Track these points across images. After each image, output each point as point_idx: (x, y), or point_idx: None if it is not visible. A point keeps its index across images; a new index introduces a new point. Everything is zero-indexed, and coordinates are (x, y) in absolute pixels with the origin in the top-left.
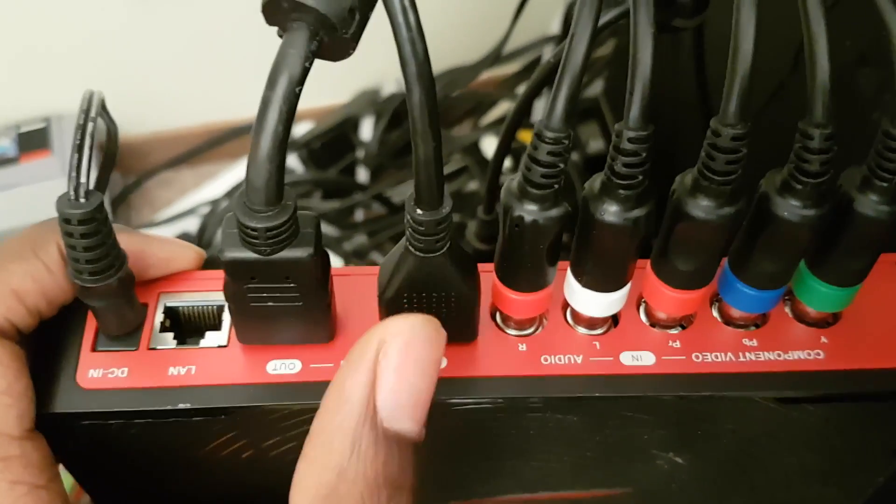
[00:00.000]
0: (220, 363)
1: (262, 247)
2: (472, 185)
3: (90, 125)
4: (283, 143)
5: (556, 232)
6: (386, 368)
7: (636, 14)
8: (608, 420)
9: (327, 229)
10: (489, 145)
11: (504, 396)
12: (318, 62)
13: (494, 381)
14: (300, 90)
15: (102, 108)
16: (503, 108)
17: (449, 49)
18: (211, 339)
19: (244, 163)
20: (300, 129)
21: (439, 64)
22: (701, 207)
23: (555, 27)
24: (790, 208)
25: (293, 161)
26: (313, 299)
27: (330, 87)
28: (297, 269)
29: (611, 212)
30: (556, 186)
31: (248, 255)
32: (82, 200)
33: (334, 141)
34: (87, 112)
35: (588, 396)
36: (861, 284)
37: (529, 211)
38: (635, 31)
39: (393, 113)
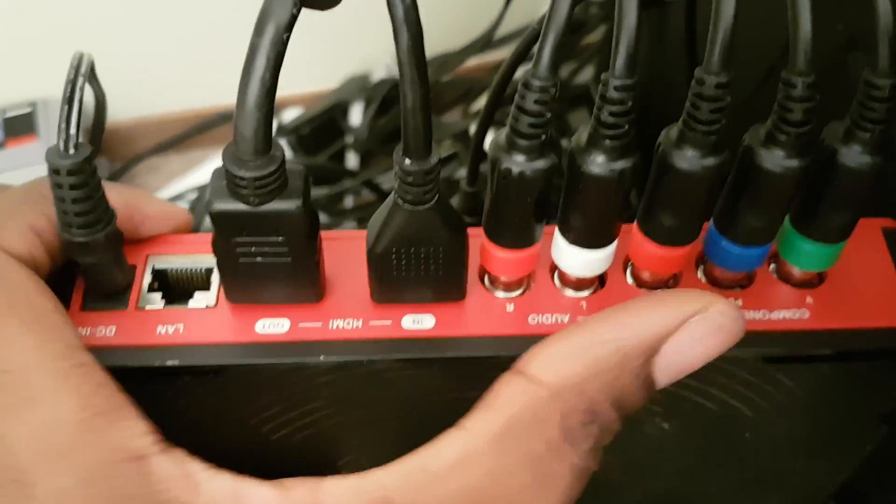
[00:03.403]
0: (208, 322)
1: (250, 197)
2: (463, 172)
3: (80, 80)
4: (272, 90)
5: (543, 184)
6: (694, 330)
7: None
8: None
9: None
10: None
11: (491, 355)
12: (306, 49)
13: (482, 340)
14: (288, 37)
15: (91, 73)
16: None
17: (438, 34)
18: (199, 299)
19: None
20: (289, 115)
21: (428, 49)
22: (686, 158)
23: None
24: (774, 159)
25: (283, 147)
26: (302, 255)
27: (319, 72)
28: (286, 222)
29: (597, 163)
30: (544, 137)
31: (237, 206)
32: (71, 152)
33: (323, 127)
34: (77, 68)
35: None
36: (845, 242)
37: (517, 162)
38: None
39: (383, 99)
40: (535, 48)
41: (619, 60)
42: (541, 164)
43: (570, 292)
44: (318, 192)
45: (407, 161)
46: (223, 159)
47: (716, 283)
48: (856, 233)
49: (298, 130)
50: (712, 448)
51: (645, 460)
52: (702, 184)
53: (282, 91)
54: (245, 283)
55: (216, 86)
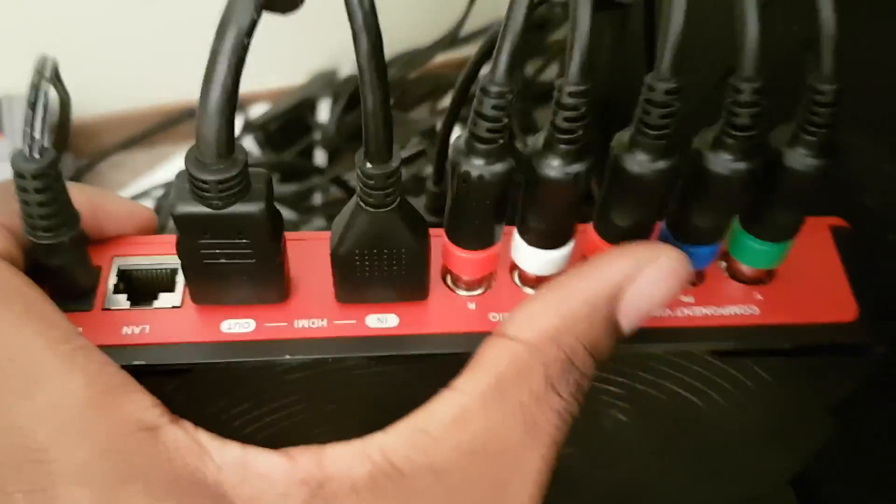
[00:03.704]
0: (174, 323)
1: (213, 200)
2: (430, 169)
3: (44, 83)
4: (233, 95)
5: (502, 187)
6: (649, 275)
7: None
8: None
9: (285, 213)
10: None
11: (453, 352)
12: (273, 44)
13: (444, 338)
14: (248, 42)
15: (56, 75)
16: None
17: (406, 31)
18: (165, 299)
19: None
20: (256, 111)
21: (395, 46)
22: (637, 162)
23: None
24: (722, 162)
25: (249, 143)
26: (266, 256)
27: (287, 67)
28: (249, 224)
29: (553, 167)
30: (501, 141)
31: (200, 209)
32: (36, 156)
33: (291, 123)
34: (41, 72)
35: None
36: (792, 241)
37: (476, 166)
38: None
39: (350, 95)
40: (494, 54)
41: (573, 67)
42: (499, 167)
43: (529, 290)
44: (285, 188)
45: (368, 165)
46: (186, 163)
47: None
48: (805, 231)
49: (266, 127)
50: (670, 439)
51: (606, 452)
52: (653, 186)
53: (249, 87)
54: (210, 284)
55: (182, 81)
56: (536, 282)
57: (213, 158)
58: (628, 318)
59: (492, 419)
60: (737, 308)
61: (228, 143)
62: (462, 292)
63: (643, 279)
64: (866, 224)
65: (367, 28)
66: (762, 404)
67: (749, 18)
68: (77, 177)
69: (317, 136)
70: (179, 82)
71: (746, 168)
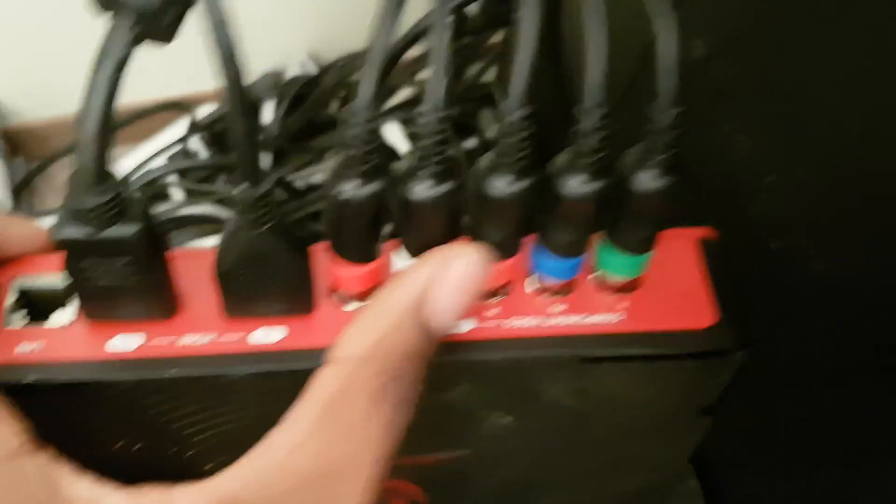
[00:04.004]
0: (66, 339)
1: (91, 224)
2: None
3: None
4: (108, 124)
5: (374, 207)
6: (444, 275)
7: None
8: (433, 384)
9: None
10: (390, 131)
11: None
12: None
13: (328, 350)
14: (122, 75)
15: None
16: (404, 93)
17: (345, 34)
18: (59, 316)
19: (148, 145)
20: (203, 112)
21: (336, 49)
22: (497, 184)
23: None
24: (574, 183)
25: (197, 144)
26: (148, 275)
27: None
28: (127, 245)
29: (420, 188)
30: (370, 165)
31: (79, 232)
32: None
33: None
34: None
35: None
36: (652, 252)
37: (348, 188)
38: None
39: (294, 96)
40: (360, 80)
41: (434, 92)
42: (369, 189)
43: None
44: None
45: (240, 188)
46: (67, 189)
47: (543, 291)
48: (672, 241)
49: (212, 127)
50: (554, 438)
51: (495, 452)
52: (513, 207)
53: (196, 87)
54: (98, 301)
55: (130, 84)
56: None
57: (89, 184)
58: (438, 320)
59: (323, 444)
60: (602, 317)
61: (104, 170)
62: (350, 305)
63: (443, 281)
64: (751, 232)
65: (229, 62)
66: (636, 406)
67: (596, 48)
68: (28, 180)
69: (261, 137)
70: (127, 84)
71: (597, 188)
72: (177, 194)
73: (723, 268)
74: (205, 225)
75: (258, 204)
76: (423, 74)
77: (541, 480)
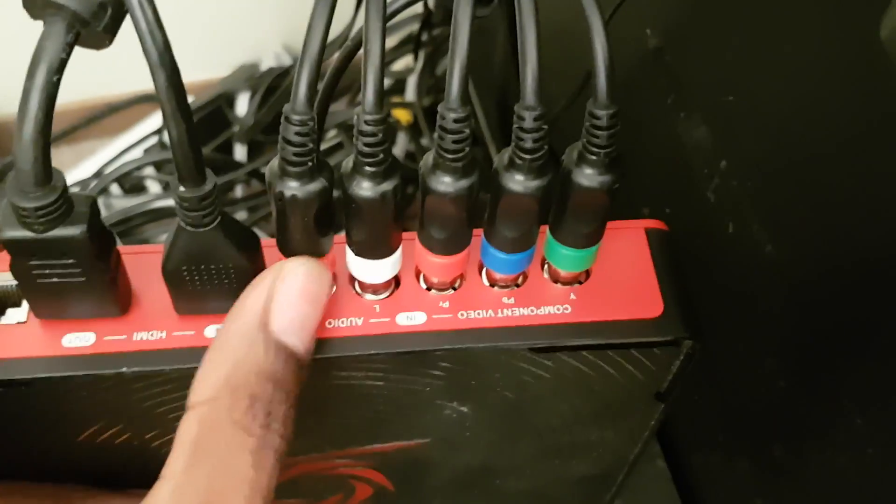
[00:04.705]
0: (18, 338)
1: (35, 225)
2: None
3: None
4: (45, 128)
5: (317, 205)
6: (281, 291)
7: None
8: (390, 375)
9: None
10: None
11: None
12: (195, 36)
13: None
14: (58, 79)
15: None
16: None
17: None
18: (11, 315)
19: (122, 139)
20: None
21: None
22: (441, 182)
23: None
24: (515, 181)
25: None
26: (95, 274)
27: (209, 60)
28: (72, 246)
29: (363, 186)
30: (311, 164)
31: (25, 233)
32: None
33: (210, 117)
34: None
35: (366, 354)
36: (597, 246)
37: (290, 187)
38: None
39: (268, 88)
40: (294, 84)
41: (368, 96)
42: (311, 187)
43: (369, 296)
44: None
45: (181, 188)
46: (7, 191)
47: (494, 284)
48: (622, 234)
49: None
50: (510, 425)
51: (453, 441)
52: (456, 203)
53: None
54: (48, 301)
55: (105, 77)
56: (373, 289)
57: (32, 187)
58: (290, 334)
59: (200, 486)
60: (551, 308)
61: (45, 172)
62: None
63: (279, 297)
64: (710, 216)
65: (163, 63)
66: (589, 392)
67: (529, 55)
68: (1, 175)
69: (236, 129)
70: (102, 78)
71: (537, 186)
72: (153, 187)
73: (670, 259)
74: None
75: (202, 203)
76: (399, 64)
77: (501, 467)
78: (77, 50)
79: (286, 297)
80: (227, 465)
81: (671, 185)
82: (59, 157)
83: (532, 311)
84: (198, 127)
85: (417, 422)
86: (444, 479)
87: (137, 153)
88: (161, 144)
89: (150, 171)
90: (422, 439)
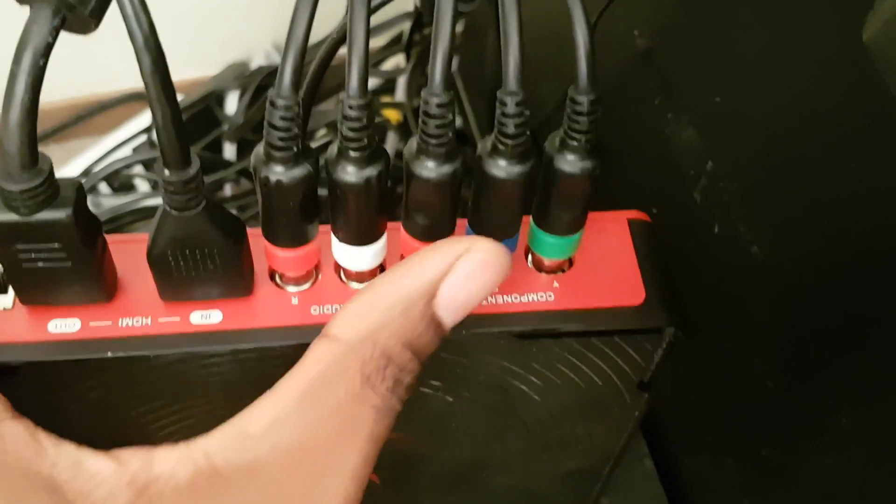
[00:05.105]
0: (4, 324)
1: (21, 208)
2: None
3: None
4: (32, 111)
5: (302, 190)
6: (461, 269)
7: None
8: None
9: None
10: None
11: (273, 344)
12: (186, 34)
13: (266, 331)
14: (45, 63)
15: None
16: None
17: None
18: None
19: (111, 138)
20: None
21: None
22: (425, 167)
23: (409, 3)
24: (498, 167)
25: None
26: (80, 259)
27: (199, 58)
28: (58, 230)
29: (347, 172)
30: (295, 149)
31: (10, 216)
32: None
33: (199, 115)
34: None
35: None
36: (579, 234)
37: (275, 172)
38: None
39: (258, 86)
40: (279, 69)
41: (353, 81)
42: (296, 172)
43: (356, 284)
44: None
45: (166, 172)
46: None
47: None
48: (605, 224)
49: None
50: (496, 417)
51: (439, 433)
52: (440, 189)
53: None
54: (33, 286)
55: (94, 76)
56: (359, 277)
57: (17, 170)
58: (447, 312)
59: (308, 418)
60: (535, 296)
61: (31, 155)
62: (290, 288)
63: (456, 272)
64: (696, 217)
65: (148, 47)
66: (573, 384)
67: (511, 42)
68: None
69: (225, 128)
70: (91, 77)
71: (520, 171)
72: (142, 186)
73: (652, 249)
74: None
75: (186, 187)
76: (388, 63)
77: (487, 461)
78: (67, 48)
79: (464, 277)
80: (344, 413)
81: (658, 186)
82: (49, 155)
83: (516, 298)
84: (187, 125)
85: (404, 412)
86: (431, 474)
87: (126, 152)
88: (150, 143)
89: (139, 169)
90: (408, 431)
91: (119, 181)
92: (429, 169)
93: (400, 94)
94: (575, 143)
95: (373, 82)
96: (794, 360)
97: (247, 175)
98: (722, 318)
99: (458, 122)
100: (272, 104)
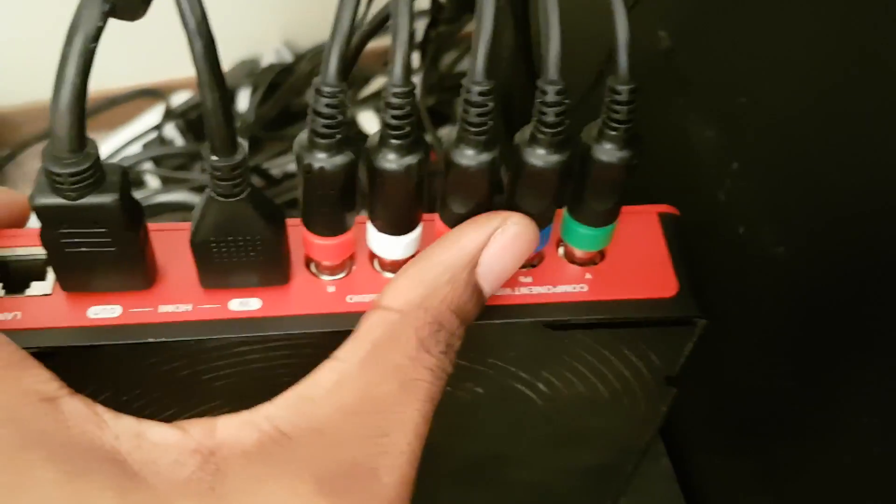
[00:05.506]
0: (44, 309)
1: (68, 192)
2: None
3: None
4: (82, 94)
5: (344, 178)
6: (498, 241)
7: None
8: None
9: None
10: (366, 119)
11: (311, 331)
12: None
13: (304, 319)
14: (94, 46)
15: None
16: (379, 82)
17: (319, 22)
18: (36, 287)
19: (121, 134)
20: (178, 99)
21: (310, 36)
22: (464, 156)
23: (424, 2)
24: (536, 156)
25: (172, 131)
26: (125, 244)
27: None
28: (104, 214)
29: (388, 159)
30: (339, 136)
31: (57, 200)
32: None
33: None
34: None
35: None
36: (613, 225)
37: (318, 159)
38: None
39: (269, 84)
40: (325, 56)
41: (396, 69)
42: (339, 160)
43: (388, 274)
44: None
45: (213, 157)
46: (42, 157)
47: None
48: (635, 217)
49: (186, 115)
50: (522, 409)
51: (464, 424)
52: (478, 177)
53: (171, 74)
54: (75, 272)
55: (102, 70)
56: (392, 266)
57: (66, 153)
58: (488, 280)
59: (369, 380)
60: (568, 287)
61: (80, 139)
62: (325, 277)
63: (494, 244)
64: (721, 217)
65: (200, 32)
66: (602, 377)
67: (552, 33)
68: None
69: (237, 125)
70: (98, 72)
71: (558, 160)
72: (152, 182)
73: (682, 241)
74: (180, 212)
75: (233, 172)
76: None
77: (510, 456)
78: None
79: (500, 248)
80: (403, 373)
81: (681, 185)
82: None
83: (549, 289)
84: (200, 122)
85: None
86: (451, 468)
87: (136, 148)
88: (160, 140)
89: (148, 165)
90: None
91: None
92: (468, 157)
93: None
94: (613, 133)
95: (383, 81)
96: (816, 359)
97: (258, 172)
98: (743, 317)
99: None
100: (318, 91)
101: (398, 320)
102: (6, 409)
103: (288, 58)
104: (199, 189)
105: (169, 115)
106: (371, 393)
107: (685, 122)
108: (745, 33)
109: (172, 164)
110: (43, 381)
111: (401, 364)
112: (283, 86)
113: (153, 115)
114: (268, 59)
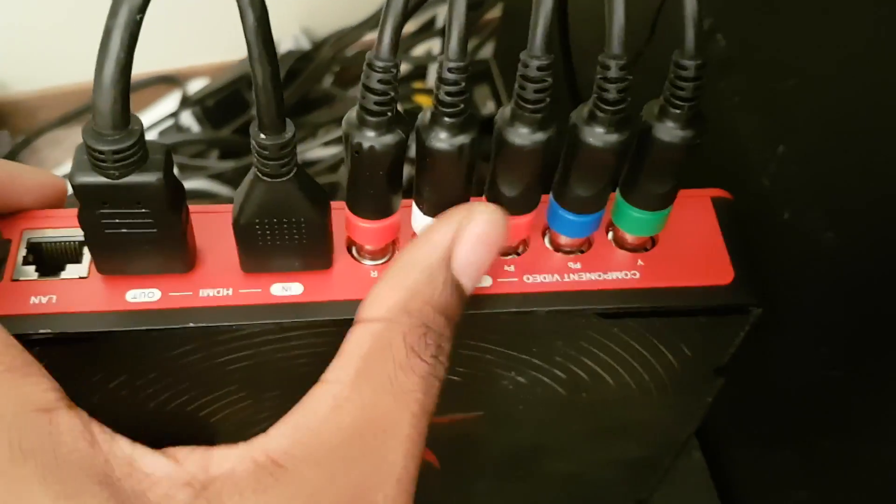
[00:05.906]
0: (80, 293)
1: (110, 170)
2: None
3: None
4: (126, 68)
5: (393, 157)
6: (468, 232)
7: None
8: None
9: (224, 189)
10: None
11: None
12: (213, 18)
13: (347, 304)
14: (141, 17)
15: None
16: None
17: (337, 9)
18: (72, 270)
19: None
20: (194, 86)
21: (329, 24)
22: (518, 134)
23: None
24: (595, 134)
25: (188, 119)
26: (166, 226)
27: (227, 42)
28: (147, 193)
29: (440, 139)
30: (390, 114)
31: (98, 179)
32: None
33: (228, 99)
34: None
35: None
36: (668, 210)
37: (367, 137)
38: None
39: (287, 71)
40: (378, 31)
41: (452, 44)
42: (389, 139)
43: None
44: (224, 165)
45: (262, 136)
46: (83, 134)
47: (559, 249)
48: (687, 202)
49: (203, 102)
50: (567, 399)
51: (507, 414)
52: (533, 157)
53: (188, 61)
54: (113, 254)
55: None
56: None
57: (109, 129)
58: (466, 274)
59: (365, 398)
60: (619, 273)
61: (124, 115)
62: (367, 262)
63: (465, 237)
64: (764, 202)
65: (252, 4)
66: (651, 366)
67: (616, 7)
68: (13, 154)
69: (254, 112)
70: None
71: (618, 139)
72: None
73: (737, 227)
74: (197, 200)
75: (281, 152)
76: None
77: (551, 447)
78: (92, 29)
79: (471, 240)
80: (397, 386)
81: (724, 169)
82: (73, 138)
83: (599, 276)
84: (216, 109)
85: (474, 392)
86: (491, 459)
87: (153, 136)
88: (177, 127)
89: None
90: (476, 412)
91: None
92: (522, 136)
93: (432, 80)
94: (677, 111)
95: (404, 68)
96: (864, 348)
97: None
98: (788, 304)
99: (491, 109)
100: (370, 66)
101: (384, 329)
102: (1, 415)
103: (306, 45)
104: (216, 177)
105: (186, 102)
106: (367, 411)
107: (727, 106)
108: (792, 14)
109: (189, 152)
110: (42, 390)
111: (393, 374)
112: (302, 73)
113: (170, 102)
114: (286, 46)
